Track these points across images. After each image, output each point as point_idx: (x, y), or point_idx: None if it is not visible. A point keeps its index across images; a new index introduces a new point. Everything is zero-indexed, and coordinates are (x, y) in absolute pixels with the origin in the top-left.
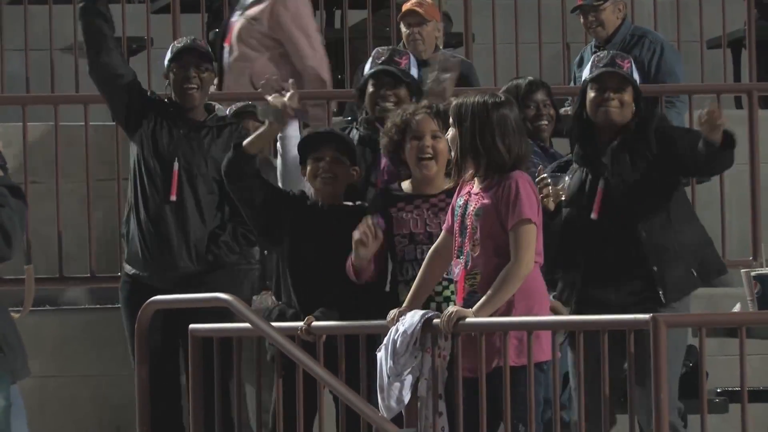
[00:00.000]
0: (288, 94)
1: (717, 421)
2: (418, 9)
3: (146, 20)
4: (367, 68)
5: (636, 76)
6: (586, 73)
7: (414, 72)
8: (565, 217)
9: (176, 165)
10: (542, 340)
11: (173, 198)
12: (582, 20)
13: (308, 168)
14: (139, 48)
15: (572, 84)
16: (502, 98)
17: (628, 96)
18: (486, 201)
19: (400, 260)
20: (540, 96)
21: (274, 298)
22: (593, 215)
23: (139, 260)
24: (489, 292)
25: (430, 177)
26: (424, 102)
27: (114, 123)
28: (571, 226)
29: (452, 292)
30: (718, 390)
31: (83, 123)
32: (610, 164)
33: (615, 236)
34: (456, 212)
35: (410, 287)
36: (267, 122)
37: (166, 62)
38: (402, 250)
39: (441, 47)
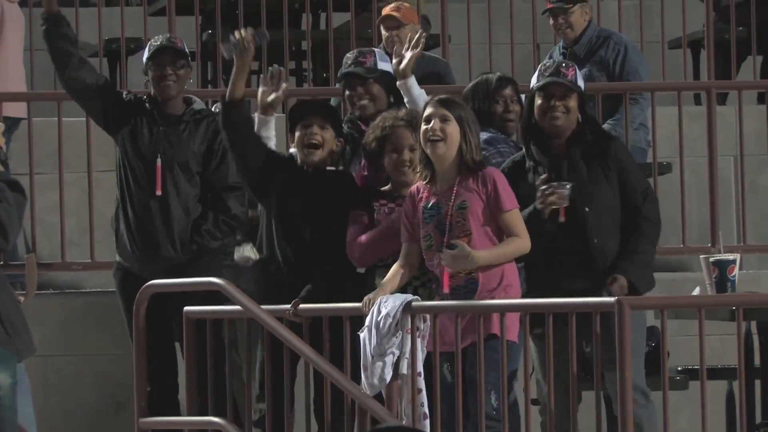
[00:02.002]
0: (237, 33)
1: (677, 397)
2: (395, 14)
3: (143, 22)
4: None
5: (581, 82)
6: (533, 82)
7: (383, 65)
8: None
9: (159, 161)
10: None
11: (158, 192)
12: (551, 22)
13: (296, 135)
14: (136, 48)
15: None
16: (401, 114)
17: (573, 102)
18: (467, 194)
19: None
20: (508, 91)
21: (255, 250)
22: (561, 219)
23: (128, 253)
24: (496, 249)
25: (408, 183)
26: (402, 114)
27: None
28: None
29: (428, 278)
30: (679, 368)
31: (84, 118)
32: (567, 174)
33: (572, 238)
34: (425, 216)
35: (388, 270)
36: (235, 59)
37: (144, 60)
38: None
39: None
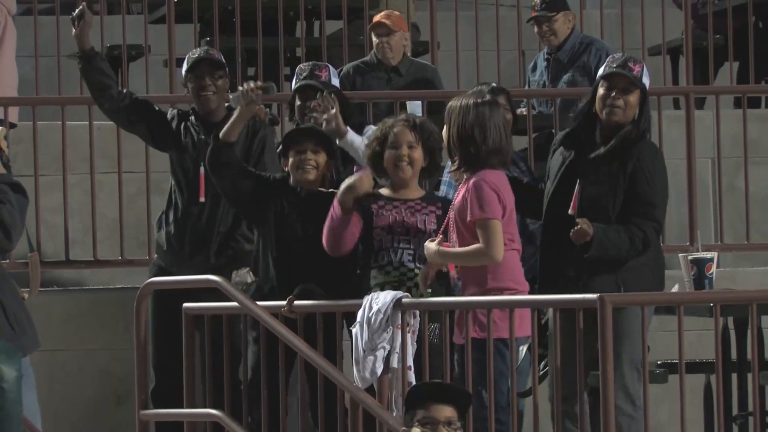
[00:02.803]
0: (245, 85)
1: (657, 390)
2: (386, 21)
3: (144, 29)
4: (294, 84)
5: (646, 80)
6: (600, 71)
7: (335, 81)
8: (548, 203)
9: (202, 169)
10: (506, 319)
11: (202, 199)
12: (536, 30)
13: (290, 159)
14: (137, 54)
15: (527, 87)
16: (487, 98)
17: (633, 98)
18: (459, 198)
19: (377, 249)
20: (500, 100)
21: (251, 274)
22: (571, 211)
23: (168, 257)
24: (458, 251)
25: (405, 180)
26: (403, 115)
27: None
28: (551, 213)
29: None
30: (659, 362)
31: (87, 122)
32: (588, 172)
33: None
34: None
35: (384, 272)
36: (238, 108)
37: (183, 72)
38: (380, 240)
39: (409, 54)
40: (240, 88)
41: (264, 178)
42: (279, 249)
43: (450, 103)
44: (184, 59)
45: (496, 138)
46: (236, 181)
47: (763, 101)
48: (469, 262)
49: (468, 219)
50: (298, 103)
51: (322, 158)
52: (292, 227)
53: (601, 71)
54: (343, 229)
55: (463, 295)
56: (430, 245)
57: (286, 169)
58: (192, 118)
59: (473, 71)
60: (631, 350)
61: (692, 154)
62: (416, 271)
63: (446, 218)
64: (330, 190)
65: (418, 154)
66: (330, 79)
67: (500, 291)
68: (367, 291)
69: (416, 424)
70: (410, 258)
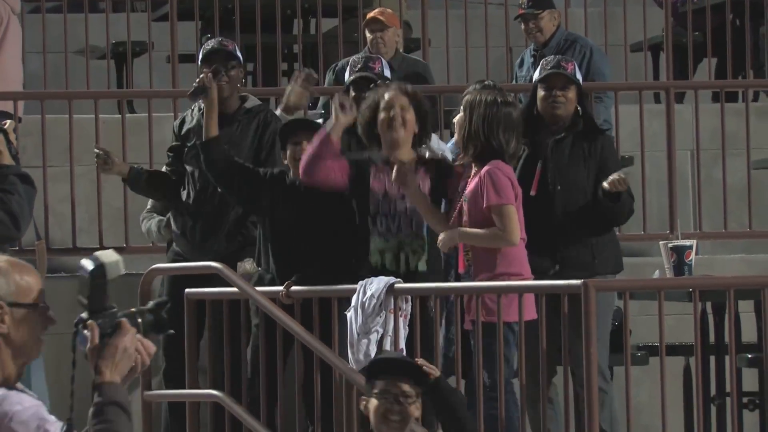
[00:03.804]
0: (199, 79)
1: (638, 372)
2: (380, 17)
3: (148, 27)
4: (347, 76)
5: (579, 76)
6: (535, 75)
7: (387, 73)
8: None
9: None
10: (513, 304)
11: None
12: (523, 27)
13: (287, 152)
14: (141, 51)
15: (514, 82)
16: (510, 99)
17: (571, 94)
18: (472, 187)
19: (373, 213)
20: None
21: (254, 264)
22: (532, 192)
23: (184, 243)
24: (477, 231)
25: (398, 141)
26: (394, 83)
27: (119, 115)
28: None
29: (419, 246)
30: (640, 345)
31: (93, 115)
32: (550, 153)
33: (538, 212)
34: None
35: (383, 239)
36: (203, 102)
37: (198, 63)
38: (377, 204)
39: (401, 50)
40: (194, 85)
41: (259, 175)
42: (277, 241)
43: (470, 97)
44: (186, 55)
45: (515, 144)
46: (233, 177)
47: (740, 96)
48: (487, 244)
49: (484, 205)
50: (352, 94)
51: None
52: (290, 219)
53: (536, 75)
54: (323, 155)
55: (474, 278)
56: (447, 233)
57: (285, 162)
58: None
59: (462, 67)
60: (601, 329)
61: (672, 146)
62: (413, 237)
63: (455, 206)
64: None
65: (411, 116)
66: (383, 71)
67: (509, 276)
68: (367, 256)
69: (374, 395)
70: (408, 223)
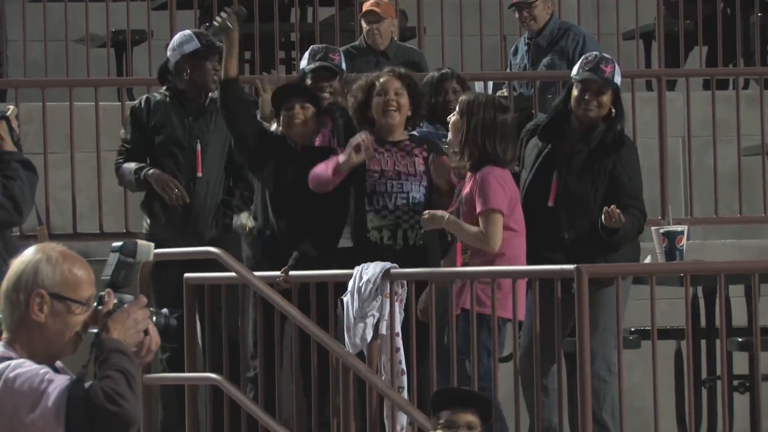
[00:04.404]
0: (222, 15)
1: (631, 355)
2: (375, 8)
3: (147, 15)
4: (304, 64)
5: (617, 78)
6: (574, 70)
7: (344, 66)
8: (527, 189)
9: (198, 146)
10: (507, 300)
11: (200, 174)
12: (517, 15)
13: (281, 117)
14: (141, 39)
15: (508, 70)
16: (505, 104)
17: (606, 98)
18: (467, 190)
19: (370, 192)
20: (449, 84)
21: (251, 218)
22: (549, 203)
23: (167, 231)
24: (463, 225)
25: (393, 126)
26: (389, 67)
27: (119, 103)
28: (530, 203)
29: (417, 222)
30: (632, 329)
31: (93, 103)
32: (566, 165)
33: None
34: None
35: (380, 216)
36: (223, 40)
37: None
38: (373, 183)
39: (396, 39)
40: (214, 22)
41: (266, 130)
42: (276, 202)
43: (468, 97)
44: None
45: (511, 152)
46: (246, 125)
47: (731, 83)
48: (468, 240)
49: (477, 211)
50: (309, 83)
51: (309, 112)
52: (288, 181)
53: (574, 72)
54: (331, 185)
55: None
56: (437, 212)
57: (280, 128)
58: (173, 102)
59: (457, 55)
60: (611, 319)
61: (664, 133)
62: (410, 213)
63: (452, 207)
64: (325, 145)
65: (404, 100)
66: (341, 63)
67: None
68: (366, 233)
69: (439, 426)
70: (404, 201)
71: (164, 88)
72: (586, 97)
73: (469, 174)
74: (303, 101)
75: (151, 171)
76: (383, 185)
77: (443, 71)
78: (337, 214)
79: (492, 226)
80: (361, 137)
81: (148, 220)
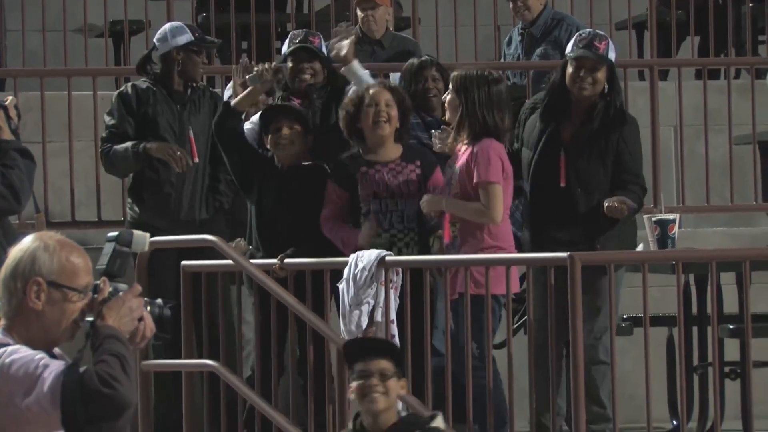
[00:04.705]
0: (260, 66)
1: (623, 342)
2: None
3: (144, 6)
4: (285, 48)
5: (612, 54)
6: (568, 48)
7: (324, 50)
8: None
9: (191, 132)
10: (501, 277)
11: (196, 160)
12: (511, 6)
13: (269, 137)
14: (138, 29)
15: (502, 59)
16: (496, 75)
17: (600, 74)
18: (463, 161)
19: (365, 212)
20: (428, 72)
21: (246, 242)
22: (562, 183)
23: (163, 215)
24: (463, 203)
25: (383, 137)
26: (379, 80)
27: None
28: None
29: (411, 239)
30: (624, 316)
31: (91, 92)
32: (573, 146)
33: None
34: (447, 169)
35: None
36: (251, 86)
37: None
38: (368, 203)
39: (391, 29)
40: (256, 68)
41: (255, 153)
42: (260, 223)
43: (461, 72)
44: None
45: (509, 121)
46: (238, 150)
47: (722, 73)
48: (469, 217)
49: (474, 181)
50: (290, 65)
51: (296, 133)
52: (271, 201)
53: (569, 49)
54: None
55: (460, 251)
56: (434, 196)
57: (268, 147)
58: (162, 90)
59: (452, 45)
60: (606, 304)
61: (656, 122)
62: (405, 232)
63: (446, 178)
64: (315, 162)
65: (394, 113)
66: (321, 47)
67: (495, 249)
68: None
69: (354, 377)
70: (399, 219)
71: (146, 77)
72: (581, 74)
73: (465, 147)
74: (291, 121)
75: (150, 143)
76: (377, 205)
77: (423, 59)
78: (323, 242)
79: (493, 198)
80: (373, 229)
81: (136, 208)
